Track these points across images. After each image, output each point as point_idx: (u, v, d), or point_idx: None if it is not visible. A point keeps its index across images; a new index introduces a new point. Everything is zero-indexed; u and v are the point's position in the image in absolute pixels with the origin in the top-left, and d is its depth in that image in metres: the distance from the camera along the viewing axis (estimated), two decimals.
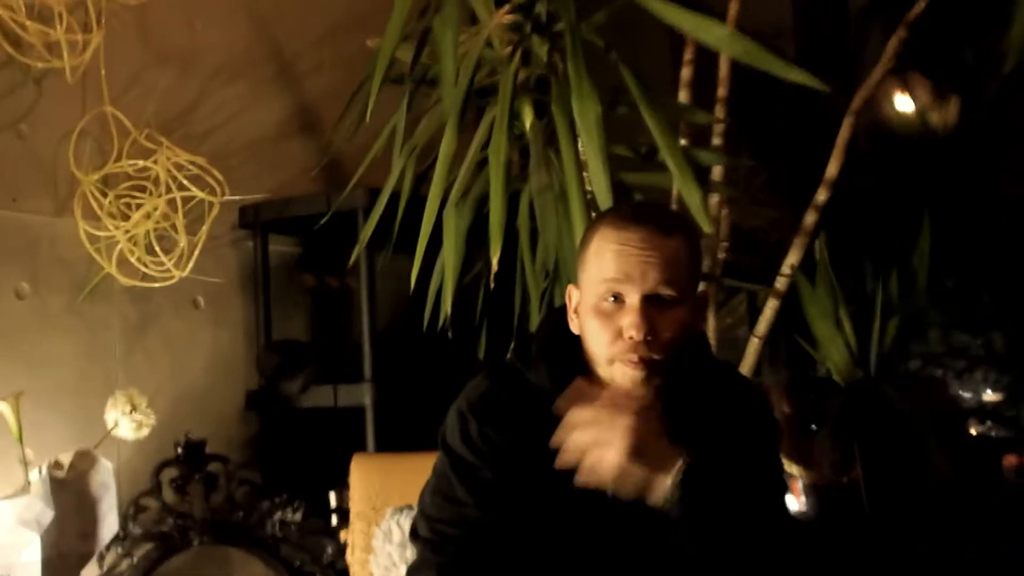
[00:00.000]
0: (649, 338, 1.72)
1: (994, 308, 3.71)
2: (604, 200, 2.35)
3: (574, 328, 1.83)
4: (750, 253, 3.55)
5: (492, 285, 2.41)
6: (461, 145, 2.49)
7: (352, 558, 2.68)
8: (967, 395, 3.29)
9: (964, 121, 4.67)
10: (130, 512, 2.86)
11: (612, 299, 1.74)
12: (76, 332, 2.91)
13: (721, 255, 3.25)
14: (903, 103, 4.76)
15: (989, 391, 3.43)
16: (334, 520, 3.07)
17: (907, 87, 4.76)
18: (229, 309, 3.32)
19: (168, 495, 2.93)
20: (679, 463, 1.64)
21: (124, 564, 2.81)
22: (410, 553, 2.00)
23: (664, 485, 1.64)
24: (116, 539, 2.79)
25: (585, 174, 2.46)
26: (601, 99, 2.42)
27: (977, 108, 4.70)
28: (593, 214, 2.46)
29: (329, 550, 3.00)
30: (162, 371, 3.10)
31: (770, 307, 3.12)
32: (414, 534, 1.86)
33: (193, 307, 3.21)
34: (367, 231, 2.70)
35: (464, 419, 1.83)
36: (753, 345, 3.12)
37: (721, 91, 3.20)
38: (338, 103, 2.86)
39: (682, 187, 2.36)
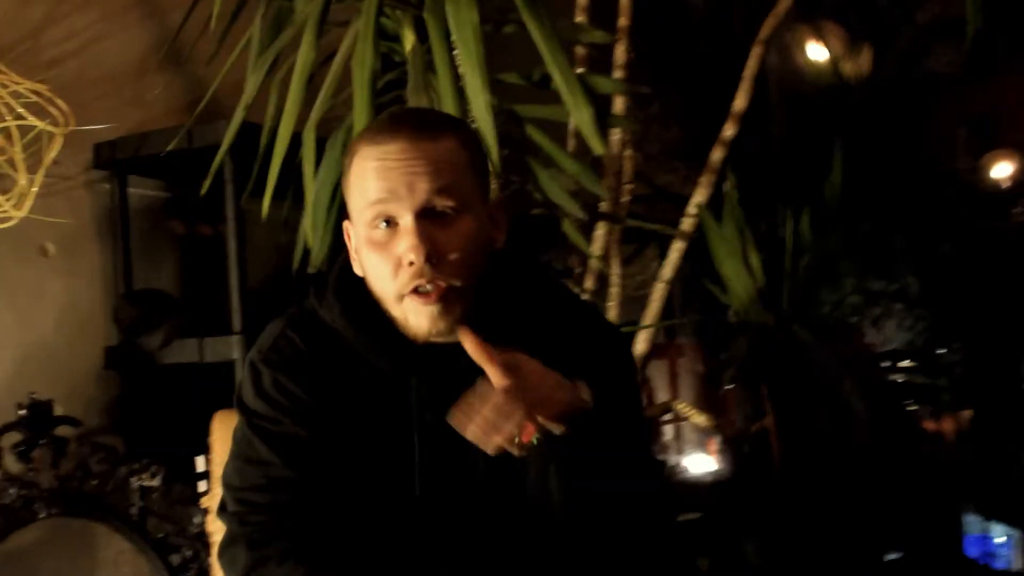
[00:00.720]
0: (434, 260, 1.47)
1: (908, 252, 3.56)
2: (486, 125, 2.09)
3: (357, 271, 1.57)
4: (660, 200, 3.32)
5: None
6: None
7: (213, 525, 2.40)
8: (881, 341, 3.12)
9: (877, 70, 4.54)
10: None
11: (384, 224, 1.49)
12: None
13: (625, 198, 3.02)
14: (816, 52, 4.60)
15: (903, 337, 3.27)
16: (202, 487, 2.78)
17: (820, 35, 4.59)
18: (84, 257, 3.00)
19: (10, 463, 2.62)
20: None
21: None
22: None
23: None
24: None
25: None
26: (486, 17, 2.18)
27: (890, 56, 4.57)
28: None
29: (196, 519, 2.71)
30: (3, 326, 2.78)
31: (676, 250, 2.91)
32: (222, 509, 1.59)
33: (41, 254, 2.89)
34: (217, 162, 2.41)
35: (256, 370, 1.59)
36: (659, 290, 2.90)
37: (622, 20, 2.97)
38: (208, 34, 2.56)
39: (568, 102, 2.10)
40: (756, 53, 2.86)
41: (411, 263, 1.47)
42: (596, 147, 2.12)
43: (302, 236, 2.56)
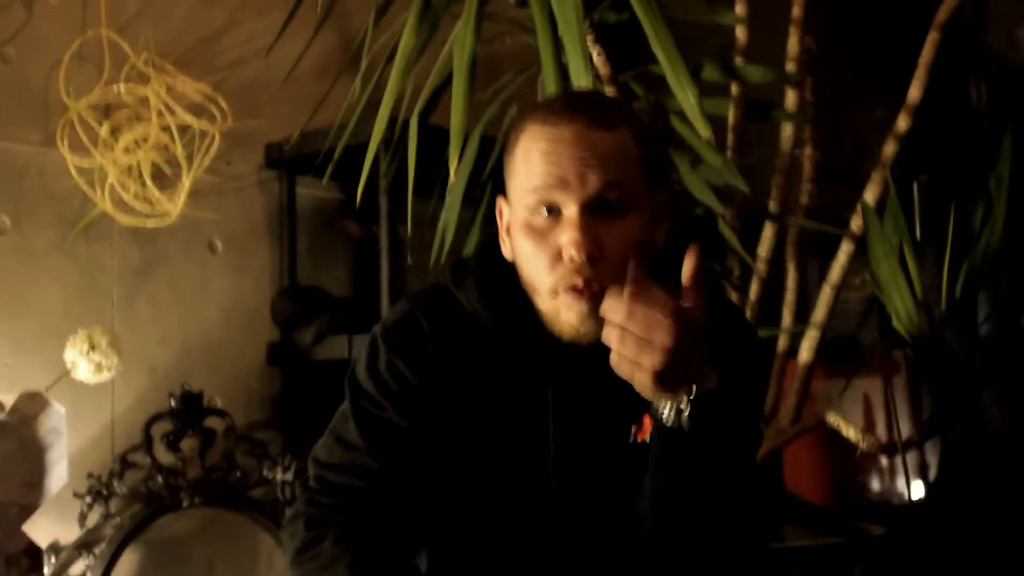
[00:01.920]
0: (595, 258, 1.37)
1: None
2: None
3: (506, 252, 1.49)
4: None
5: (447, 197, 2.07)
6: None
7: None
8: None
9: None
10: (115, 469, 2.64)
11: (546, 212, 1.40)
12: (65, 272, 2.69)
13: (804, 199, 2.84)
14: None
15: None
16: None
17: None
18: (253, 256, 3.06)
19: (160, 452, 2.70)
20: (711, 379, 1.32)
21: (108, 525, 2.59)
22: None
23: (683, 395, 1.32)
24: (99, 497, 2.59)
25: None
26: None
27: None
28: None
29: None
30: (168, 319, 2.86)
31: (844, 252, 2.70)
32: (303, 482, 1.55)
33: (209, 251, 2.97)
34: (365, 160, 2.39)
35: (375, 347, 1.52)
36: (825, 295, 2.70)
37: (796, 11, 2.79)
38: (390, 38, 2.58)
39: (673, 85, 1.97)
40: (932, 39, 2.62)
41: (572, 259, 1.38)
42: (702, 130, 1.99)
43: (441, 231, 2.53)
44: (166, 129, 2.70)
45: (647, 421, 1.44)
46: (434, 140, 2.36)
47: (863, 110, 2.99)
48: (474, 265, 1.52)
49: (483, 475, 1.48)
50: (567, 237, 1.37)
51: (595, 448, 1.46)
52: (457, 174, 2.37)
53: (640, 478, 1.43)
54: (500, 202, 1.51)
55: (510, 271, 1.48)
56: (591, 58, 2.09)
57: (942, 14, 2.60)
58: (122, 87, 2.69)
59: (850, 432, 2.28)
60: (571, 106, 1.44)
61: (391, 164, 2.77)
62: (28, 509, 2.27)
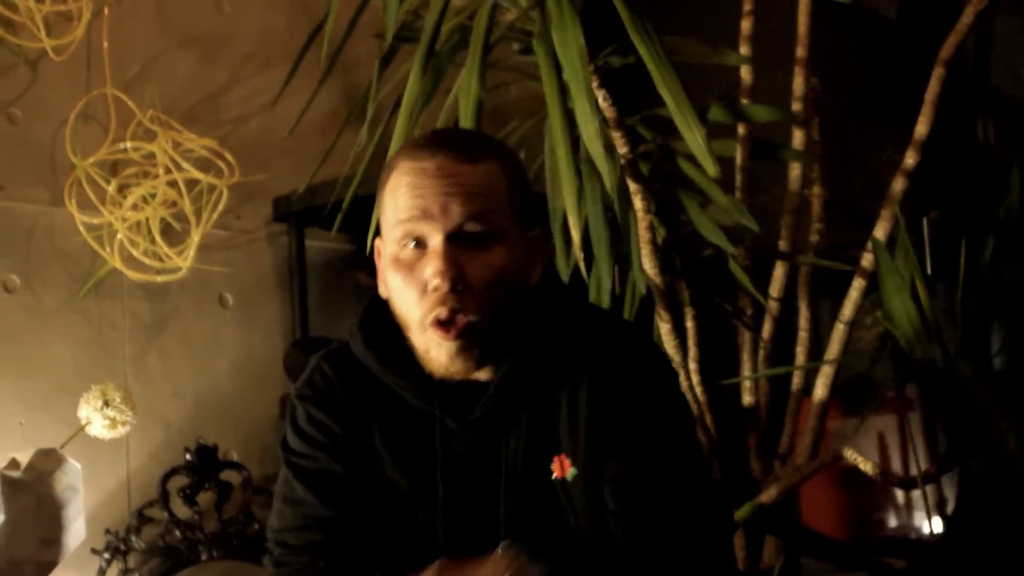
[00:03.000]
0: (460, 287, 1.39)
1: None
2: (596, 151, 2.00)
3: (382, 291, 1.50)
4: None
5: None
6: None
7: None
8: None
9: None
10: (132, 524, 2.63)
11: (413, 244, 1.42)
12: (76, 330, 2.70)
13: (814, 238, 2.84)
14: None
15: None
16: None
17: None
18: (263, 308, 3.06)
19: (177, 506, 2.69)
20: None
21: None
22: None
23: None
24: (117, 553, 2.58)
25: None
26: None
27: None
28: (583, 169, 2.13)
29: None
30: (180, 374, 2.87)
31: (855, 288, 2.70)
32: (268, 554, 1.56)
33: (220, 305, 2.98)
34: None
35: (293, 408, 1.56)
36: (839, 332, 2.70)
37: (800, 51, 2.81)
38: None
39: (680, 125, 1.99)
40: (938, 74, 2.63)
41: (436, 288, 1.40)
42: (710, 169, 2.00)
43: None
44: (173, 185, 2.71)
45: (565, 459, 1.46)
46: None
47: (871, 148, 3.00)
48: (360, 315, 1.55)
49: (393, 520, 1.50)
50: (431, 268, 1.39)
51: (490, 486, 1.47)
52: None
53: (563, 514, 1.45)
54: (377, 244, 1.53)
55: (389, 313, 1.50)
56: (597, 102, 2.10)
57: (946, 50, 2.61)
58: (128, 144, 2.71)
59: (867, 467, 2.27)
60: (436, 141, 1.47)
61: None
62: (46, 567, 2.25)
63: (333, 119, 3.24)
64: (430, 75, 2.10)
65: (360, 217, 3.04)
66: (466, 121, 2.03)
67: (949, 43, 2.65)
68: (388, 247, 1.47)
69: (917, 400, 3.09)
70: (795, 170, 2.83)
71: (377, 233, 1.52)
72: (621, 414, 1.47)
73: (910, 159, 2.66)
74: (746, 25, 2.74)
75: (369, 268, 3.20)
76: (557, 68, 2.03)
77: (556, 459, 1.46)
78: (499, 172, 1.45)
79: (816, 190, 2.86)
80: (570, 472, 1.44)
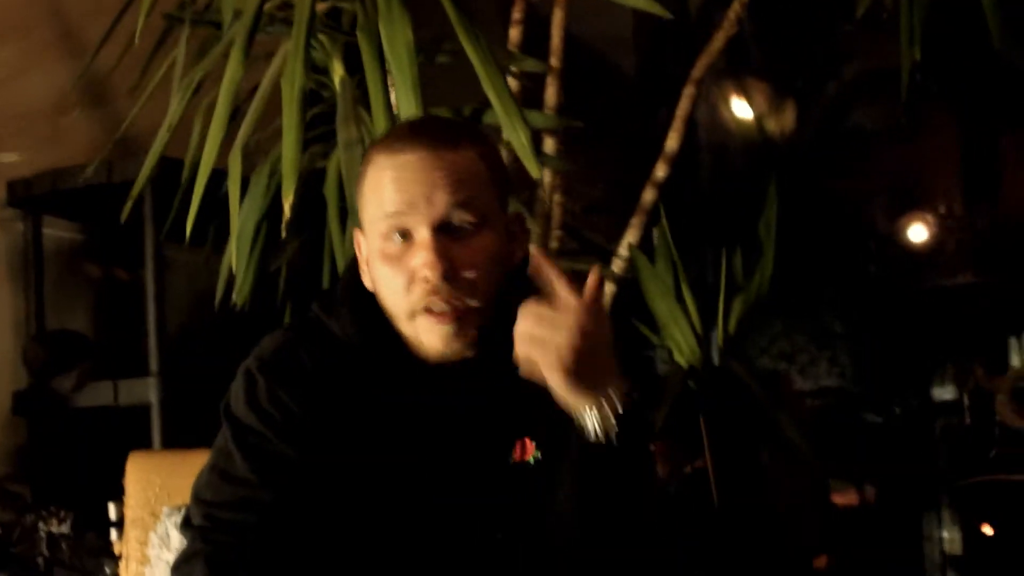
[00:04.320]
0: (450, 277, 1.39)
1: (836, 303, 3.56)
2: None
3: (367, 283, 1.49)
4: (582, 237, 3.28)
5: (284, 235, 2.06)
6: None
7: (127, 573, 2.28)
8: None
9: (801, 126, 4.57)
10: None
11: (399, 238, 1.41)
12: None
13: (554, 244, 2.97)
14: (740, 108, 4.62)
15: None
16: (114, 535, 2.65)
17: (744, 91, 4.63)
18: None
19: None
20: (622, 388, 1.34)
21: None
22: None
23: (609, 408, 1.33)
24: None
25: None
26: (420, 46, 2.12)
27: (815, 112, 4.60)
28: None
29: (108, 570, 2.58)
30: None
31: (606, 292, 2.85)
32: (186, 523, 1.48)
33: None
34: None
35: (251, 379, 1.48)
36: None
37: (554, 61, 2.94)
38: (131, 74, 2.50)
39: (506, 127, 2.05)
40: (688, 93, 2.83)
41: (426, 279, 1.39)
42: (532, 170, 2.07)
43: (225, 271, 2.47)
44: None
45: (528, 443, 1.48)
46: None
47: (612, 160, 3.18)
48: (344, 294, 1.52)
49: (362, 503, 1.46)
50: (420, 259, 1.39)
51: (471, 474, 1.47)
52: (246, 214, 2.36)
53: (520, 498, 1.46)
54: (357, 235, 1.52)
55: (375, 301, 1.49)
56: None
57: (698, 71, 2.81)
58: None
59: None
60: (414, 130, 1.48)
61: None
62: None
63: (64, 101, 3.09)
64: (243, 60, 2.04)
65: (95, 205, 2.94)
66: (291, 111, 2.00)
67: (700, 64, 2.86)
68: (373, 241, 1.44)
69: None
70: (546, 177, 2.95)
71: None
72: None
73: (660, 172, 2.84)
74: (515, 34, 2.84)
75: (99, 259, 3.12)
76: (380, 61, 2.04)
77: (518, 443, 1.47)
78: (478, 157, 1.44)
79: (557, 198, 3.01)
80: (532, 455, 1.45)
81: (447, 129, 1.51)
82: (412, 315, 1.41)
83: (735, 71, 4.74)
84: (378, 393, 1.48)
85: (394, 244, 1.42)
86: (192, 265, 3.04)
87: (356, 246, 1.52)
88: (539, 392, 1.44)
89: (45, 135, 2.99)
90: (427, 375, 1.47)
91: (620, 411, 1.33)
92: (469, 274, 1.40)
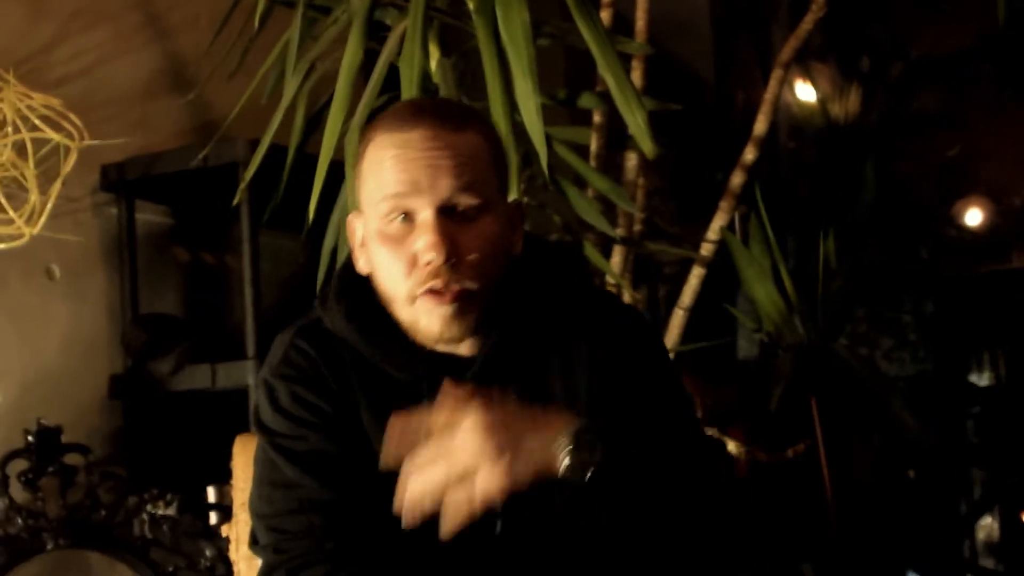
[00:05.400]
0: (453, 260, 1.37)
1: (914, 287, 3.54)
2: (536, 129, 2.02)
3: (362, 266, 1.47)
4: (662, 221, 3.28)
5: None
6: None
7: (237, 554, 2.29)
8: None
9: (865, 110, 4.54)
10: None
11: (400, 219, 1.39)
12: None
13: (637, 227, 2.97)
14: (805, 92, 4.60)
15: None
16: (213, 518, 2.67)
17: (809, 76, 4.61)
18: (90, 281, 2.89)
19: (17, 492, 2.50)
20: (567, 427, 1.30)
21: None
22: None
23: (557, 457, 1.29)
24: None
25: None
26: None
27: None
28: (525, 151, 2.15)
29: (208, 552, 2.60)
30: (9, 351, 2.66)
31: (695, 276, 2.84)
32: (254, 542, 1.49)
33: (47, 277, 2.78)
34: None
35: (270, 387, 1.48)
36: (677, 318, 2.84)
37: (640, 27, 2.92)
38: (214, 59, 2.51)
39: (623, 108, 2.05)
40: (777, 75, 2.82)
41: (428, 262, 1.37)
42: (648, 150, 2.07)
43: (327, 254, 2.48)
44: (18, 146, 2.51)
45: None
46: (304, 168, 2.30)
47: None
48: (335, 288, 1.51)
49: (381, 497, 1.40)
50: (423, 242, 1.37)
51: None
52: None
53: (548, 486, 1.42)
54: (351, 218, 1.51)
55: (370, 289, 1.48)
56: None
57: (786, 54, 2.80)
58: None
59: (731, 445, 2.41)
60: (417, 110, 1.45)
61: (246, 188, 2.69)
62: None
63: (154, 85, 3.11)
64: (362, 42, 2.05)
65: (185, 190, 2.96)
66: (410, 91, 2.01)
67: (789, 46, 2.85)
68: (372, 221, 1.42)
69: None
70: (631, 160, 2.95)
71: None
72: (620, 382, 1.48)
73: (749, 155, 2.83)
74: (606, 16, 2.83)
75: (188, 243, 3.14)
76: (497, 42, 2.04)
77: None
78: (482, 141, 1.43)
79: (640, 181, 3.00)
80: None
81: (452, 110, 1.48)
82: (412, 298, 1.40)
83: (799, 55, 4.70)
84: (383, 385, 1.46)
85: (395, 225, 1.40)
86: (280, 249, 3.05)
87: (349, 231, 1.51)
88: (568, 379, 1.44)
89: (135, 120, 3.00)
90: (424, 363, 1.45)
91: (575, 451, 1.29)
92: (471, 257, 1.39)
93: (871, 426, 2.39)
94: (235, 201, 2.35)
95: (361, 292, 1.46)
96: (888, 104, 4.55)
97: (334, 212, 2.39)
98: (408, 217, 1.39)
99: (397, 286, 1.40)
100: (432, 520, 1.32)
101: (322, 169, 2.01)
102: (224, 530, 2.43)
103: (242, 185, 2.33)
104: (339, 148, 2.06)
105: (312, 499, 1.42)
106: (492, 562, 1.46)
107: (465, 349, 1.47)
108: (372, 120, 1.51)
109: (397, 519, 1.33)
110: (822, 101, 4.48)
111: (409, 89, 2.01)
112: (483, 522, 1.35)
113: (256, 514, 1.47)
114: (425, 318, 1.40)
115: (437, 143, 1.39)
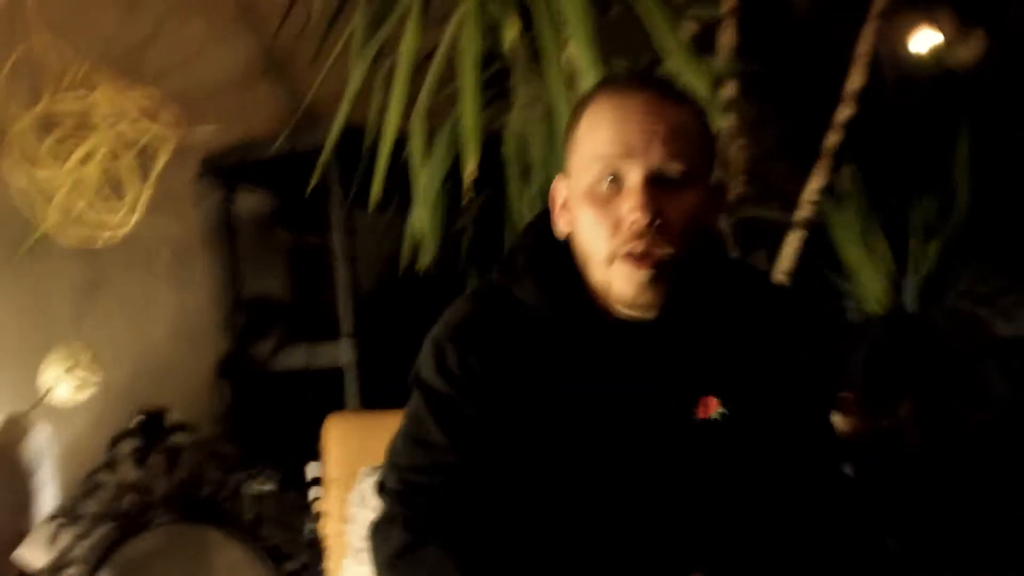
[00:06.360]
0: (658, 222, 1.39)
1: None
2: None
3: (562, 227, 1.51)
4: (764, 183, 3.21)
5: (465, 197, 2.08)
6: None
7: (328, 529, 2.36)
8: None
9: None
10: (83, 490, 2.55)
11: (610, 180, 1.42)
12: (13, 293, 2.60)
13: (737, 190, 2.93)
14: (921, 40, 4.45)
15: None
16: (313, 494, 2.75)
17: (931, 20, 4.44)
18: (194, 269, 2.99)
19: (126, 470, 2.61)
20: None
21: (79, 547, 2.50)
22: None
23: None
24: (69, 519, 2.49)
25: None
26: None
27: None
28: None
29: (309, 527, 2.68)
30: (119, 337, 2.78)
31: (795, 239, 2.79)
32: (381, 487, 1.54)
33: (152, 265, 2.90)
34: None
35: (440, 348, 1.51)
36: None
37: (728, 2, 2.87)
38: (308, 46, 2.55)
39: (689, 76, 2.03)
40: (871, 29, 2.74)
41: (633, 223, 1.39)
42: (719, 118, 2.04)
43: (410, 235, 2.52)
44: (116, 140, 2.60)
45: (711, 400, 1.49)
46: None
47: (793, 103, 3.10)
48: (525, 259, 1.54)
49: (548, 462, 1.48)
50: (629, 204, 1.40)
51: (656, 428, 1.48)
52: (428, 178, 2.39)
53: (704, 456, 1.47)
54: (557, 181, 1.53)
55: (558, 252, 1.50)
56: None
57: (880, 4, 2.72)
58: (62, 100, 2.59)
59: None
60: (640, 80, 1.50)
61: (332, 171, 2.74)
62: (19, 535, 2.17)
63: (248, 74, 3.19)
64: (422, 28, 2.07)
65: (284, 175, 3.02)
66: (468, 76, 2.02)
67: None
68: (581, 181, 1.45)
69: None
70: (726, 122, 2.90)
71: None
72: (784, 362, 1.51)
73: (844, 112, 2.76)
74: None
75: (289, 226, 3.21)
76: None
77: (702, 400, 1.48)
78: (696, 117, 1.46)
79: (740, 142, 2.96)
80: (716, 412, 1.47)
81: (672, 86, 1.53)
82: (611, 259, 1.42)
83: (914, 2, 4.55)
84: (565, 353, 1.49)
85: (604, 187, 1.42)
86: (377, 229, 3.11)
87: (552, 193, 1.53)
88: (723, 349, 1.44)
89: (232, 108, 3.08)
90: (613, 332, 1.48)
91: None
92: (674, 224, 1.41)
93: (963, 395, 2.31)
94: (310, 186, 2.38)
95: (552, 261, 1.51)
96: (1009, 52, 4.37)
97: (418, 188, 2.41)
98: (616, 180, 1.42)
99: (598, 246, 1.43)
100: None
101: (385, 148, 2.04)
102: (316, 506, 2.51)
103: (316, 171, 2.37)
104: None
105: (445, 462, 1.47)
106: None
107: (651, 315, 1.49)
108: (592, 90, 1.55)
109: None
110: (939, 51, 4.33)
111: (467, 69, 2.03)
112: None
113: (393, 462, 1.53)
114: (619, 282, 1.43)
115: (654, 112, 1.42)
